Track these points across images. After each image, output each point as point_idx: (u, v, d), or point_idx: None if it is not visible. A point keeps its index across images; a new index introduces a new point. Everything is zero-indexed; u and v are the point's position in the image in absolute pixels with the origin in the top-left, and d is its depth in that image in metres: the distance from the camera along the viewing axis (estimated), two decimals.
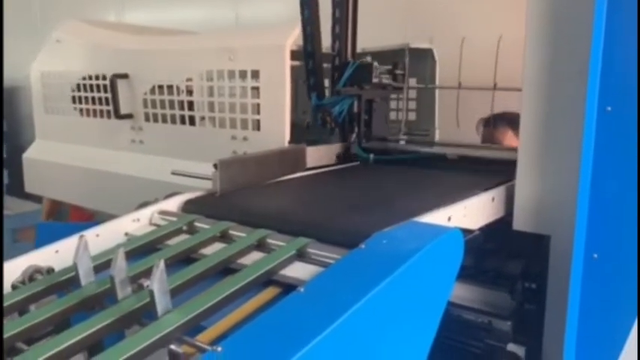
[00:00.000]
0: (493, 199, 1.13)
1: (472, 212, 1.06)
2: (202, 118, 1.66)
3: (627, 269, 1.06)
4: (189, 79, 1.67)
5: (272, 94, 1.46)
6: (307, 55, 1.63)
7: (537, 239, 1.10)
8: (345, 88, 1.66)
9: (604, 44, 0.98)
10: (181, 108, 1.71)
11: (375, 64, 1.69)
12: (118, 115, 1.85)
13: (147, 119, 1.84)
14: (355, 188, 1.34)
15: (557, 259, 1.06)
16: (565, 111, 1.04)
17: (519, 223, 1.13)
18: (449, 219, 0.97)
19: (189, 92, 1.70)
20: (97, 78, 1.95)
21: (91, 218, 2.62)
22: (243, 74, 1.53)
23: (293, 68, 1.52)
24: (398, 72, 1.75)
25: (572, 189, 1.00)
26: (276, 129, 1.46)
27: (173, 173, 1.55)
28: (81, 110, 2.08)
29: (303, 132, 1.67)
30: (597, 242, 1.02)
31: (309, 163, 1.46)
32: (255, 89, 1.50)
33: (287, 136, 1.45)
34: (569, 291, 1.00)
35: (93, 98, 1.99)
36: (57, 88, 2.19)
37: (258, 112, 1.50)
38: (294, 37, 1.43)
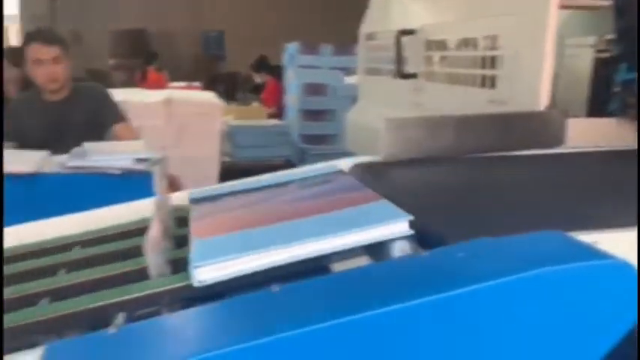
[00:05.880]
0: None
1: None
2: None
3: None
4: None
5: (527, 40, 1.11)
6: None
7: None
8: None
9: None
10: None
11: None
12: (401, 75, 1.75)
13: (427, 79, 1.68)
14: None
15: None
16: None
17: None
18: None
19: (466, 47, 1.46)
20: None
21: None
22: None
23: None
24: None
25: None
26: (529, 87, 1.11)
27: None
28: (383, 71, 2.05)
29: None
30: None
31: (576, 140, 1.07)
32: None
33: (543, 98, 1.09)
34: None
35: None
36: (373, 48, 2.20)
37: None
38: None
